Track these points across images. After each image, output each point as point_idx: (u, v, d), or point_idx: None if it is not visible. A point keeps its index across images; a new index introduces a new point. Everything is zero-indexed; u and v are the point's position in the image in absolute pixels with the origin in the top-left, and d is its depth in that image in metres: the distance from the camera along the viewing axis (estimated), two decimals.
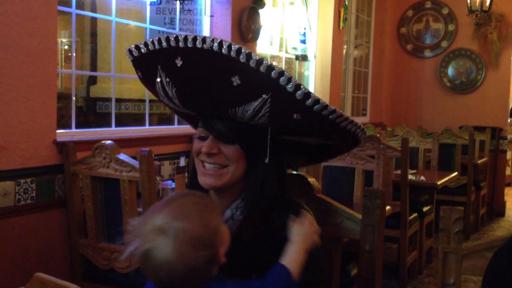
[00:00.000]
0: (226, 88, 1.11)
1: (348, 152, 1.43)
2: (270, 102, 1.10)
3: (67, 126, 3.10)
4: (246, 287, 1.11)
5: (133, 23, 3.90)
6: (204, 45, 1.08)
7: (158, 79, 1.20)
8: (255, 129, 1.21)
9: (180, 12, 4.00)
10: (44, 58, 2.65)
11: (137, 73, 1.31)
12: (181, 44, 1.11)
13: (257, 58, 1.07)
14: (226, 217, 1.27)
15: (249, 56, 1.06)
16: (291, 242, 1.18)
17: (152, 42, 1.17)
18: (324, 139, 1.25)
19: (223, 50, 1.07)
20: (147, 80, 1.28)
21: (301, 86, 1.08)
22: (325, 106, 1.12)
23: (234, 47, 1.07)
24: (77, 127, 3.10)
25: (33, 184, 2.62)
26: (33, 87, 2.60)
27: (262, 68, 1.07)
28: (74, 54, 3.24)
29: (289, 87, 1.08)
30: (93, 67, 5.15)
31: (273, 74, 1.07)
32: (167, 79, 1.18)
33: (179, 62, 1.13)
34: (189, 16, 4.02)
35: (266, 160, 1.23)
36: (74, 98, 3.15)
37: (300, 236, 1.18)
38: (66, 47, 6.13)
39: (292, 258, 1.15)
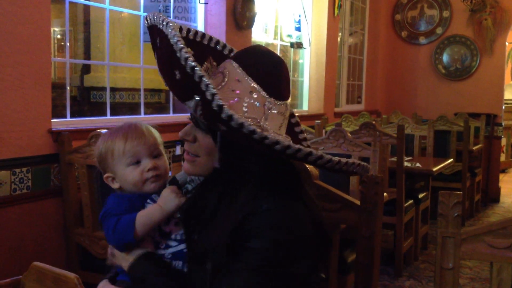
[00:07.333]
0: (173, 79, 1.07)
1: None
2: (201, 105, 1.01)
3: (61, 116, 3.08)
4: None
5: (127, 11, 3.87)
6: (164, 30, 1.06)
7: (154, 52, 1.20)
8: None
9: None
10: (37, 46, 2.62)
11: None
12: (159, 26, 1.10)
13: (186, 55, 0.99)
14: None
15: (181, 50, 0.99)
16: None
17: (149, 16, 1.16)
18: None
19: (170, 40, 1.03)
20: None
21: (215, 96, 0.98)
22: (241, 124, 0.98)
23: (176, 37, 1.01)
24: (71, 117, 3.08)
25: (28, 174, 2.61)
26: (27, 76, 2.58)
27: (188, 69, 0.99)
28: (68, 43, 3.21)
29: (208, 94, 0.98)
30: (87, 56, 5.11)
31: (196, 77, 0.98)
32: (155, 54, 1.18)
33: (158, 42, 1.12)
34: (183, 3, 3.98)
35: (217, 165, 1.16)
36: (68, 87, 3.12)
37: (161, 199, 1.27)
38: (59, 36, 6.08)
39: (146, 212, 1.26)
